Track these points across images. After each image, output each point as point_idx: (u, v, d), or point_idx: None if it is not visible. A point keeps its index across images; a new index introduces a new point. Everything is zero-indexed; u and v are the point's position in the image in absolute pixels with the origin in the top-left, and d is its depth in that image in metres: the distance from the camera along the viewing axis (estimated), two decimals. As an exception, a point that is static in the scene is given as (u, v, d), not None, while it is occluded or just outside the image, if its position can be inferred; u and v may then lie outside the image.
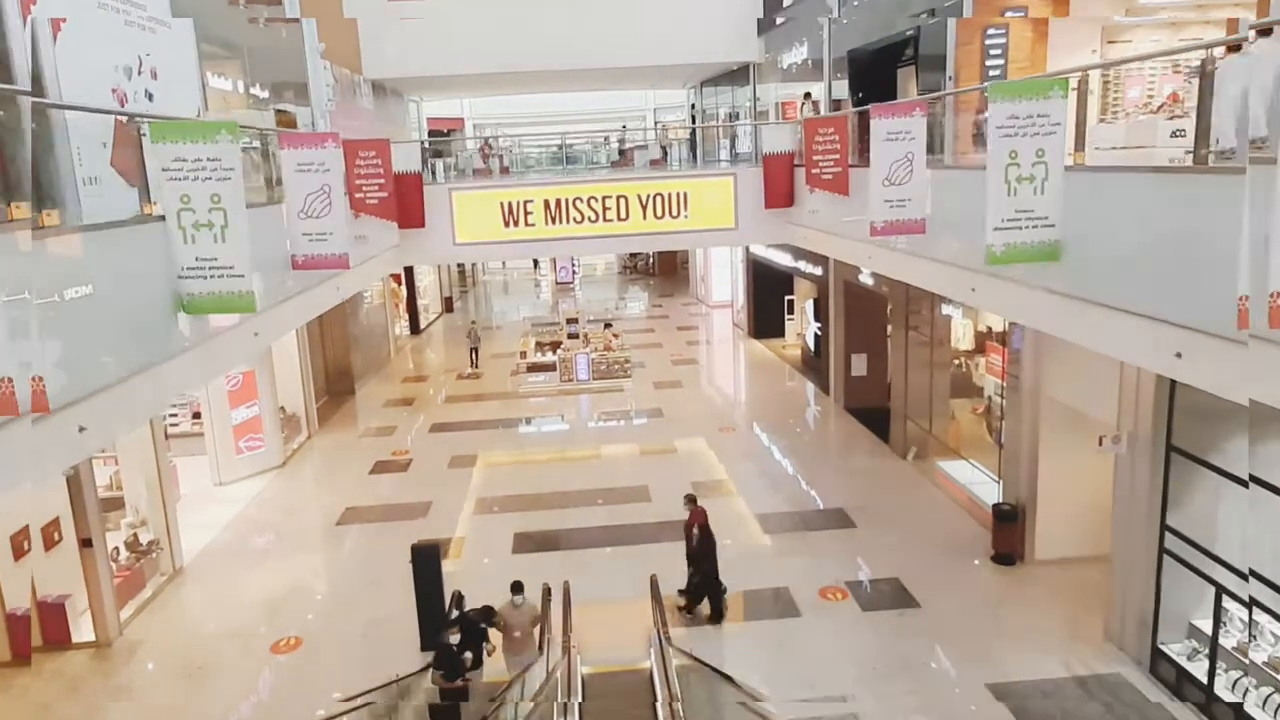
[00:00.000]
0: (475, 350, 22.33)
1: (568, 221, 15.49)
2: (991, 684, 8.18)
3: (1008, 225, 7.13)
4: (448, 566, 10.77)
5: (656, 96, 33.21)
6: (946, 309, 12.94)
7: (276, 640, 9.63)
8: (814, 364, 19.95)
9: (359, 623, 10.02)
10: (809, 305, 20.94)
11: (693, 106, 29.17)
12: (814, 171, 12.61)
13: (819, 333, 19.41)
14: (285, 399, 16.48)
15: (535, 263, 42.47)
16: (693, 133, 27.67)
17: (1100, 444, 8.33)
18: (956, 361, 13.61)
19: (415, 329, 27.84)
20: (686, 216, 15.71)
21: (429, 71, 21.21)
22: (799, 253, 19.12)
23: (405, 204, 14.31)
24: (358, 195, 12.36)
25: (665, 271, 38.55)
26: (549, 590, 9.53)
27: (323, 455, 16.35)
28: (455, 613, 8.65)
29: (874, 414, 16.21)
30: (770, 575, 10.59)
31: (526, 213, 15.48)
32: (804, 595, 10.00)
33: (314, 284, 10.55)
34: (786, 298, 23.04)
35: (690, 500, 10.28)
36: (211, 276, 6.81)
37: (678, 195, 15.71)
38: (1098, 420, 8.82)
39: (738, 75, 24.24)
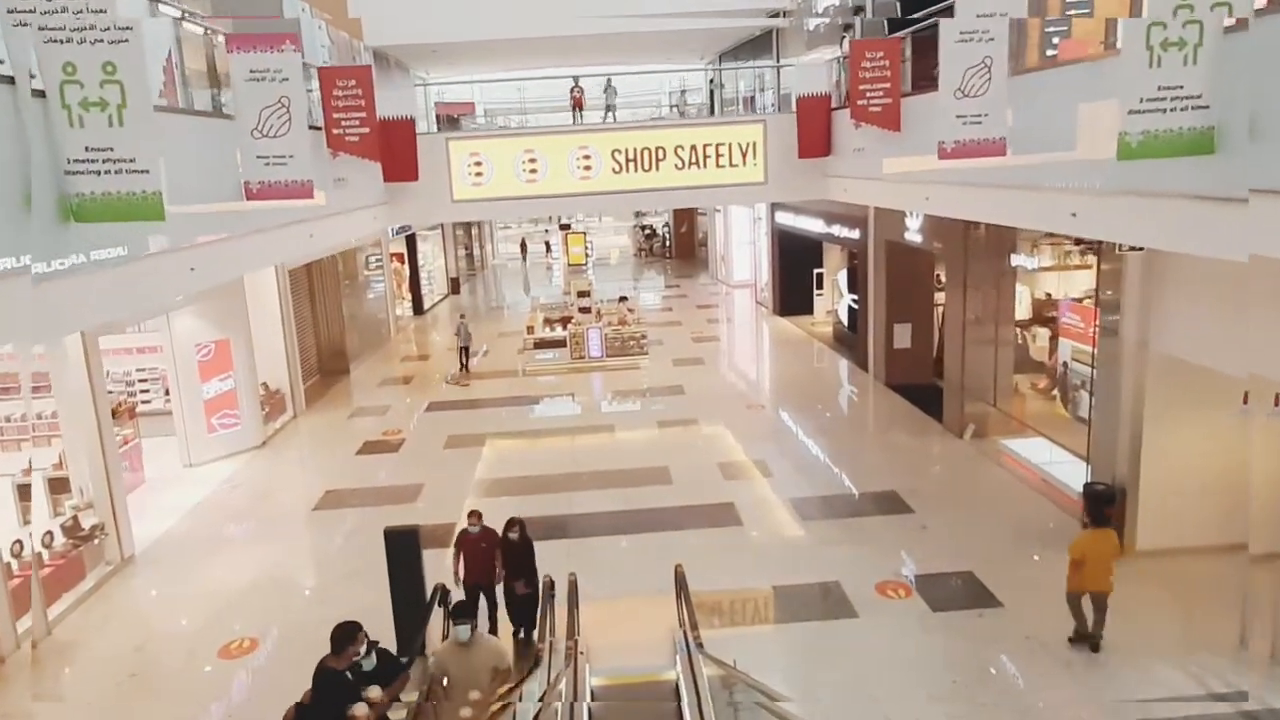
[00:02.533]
0: (466, 350, 18.36)
1: (579, 174, 13.89)
2: (1111, 700, 6.50)
3: (1148, 106, 5.43)
4: (436, 556, 9.21)
5: (672, 80, 31.58)
6: (1017, 259, 11.20)
7: (227, 642, 8.07)
8: (848, 339, 18.23)
9: (328, 621, 8.34)
10: (841, 277, 19.23)
11: (711, 81, 27.65)
12: (860, 103, 10.92)
13: (854, 305, 17.69)
14: (269, 375, 14.98)
15: (547, 246, 40.99)
16: (711, 100, 26.14)
17: (1245, 403, 6.61)
18: (1016, 331, 11.92)
19: (418, 310, 26.36)
20: (710, 169, 14.08)
21: (429, 38, 19.69)
22: (832, 216, 17.42)
23: (396, 154, 12.75)
24: (335, 131, 10.77)
25: (683, 253, 36.87)
26: (552, 584, 7.93)
27: (309, 435, 14.83)
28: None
29: (920, 390, 14.51)
30: (815, 568, 8.93)
31: (533, 164, 13.90)
32: (859, 591, 8.32)
33: (279, 225, 9.02)
34: (815, 271, 21.31)
35: (477, 516, 7.90)
36: (106, 172, 5.23)
37: (701, 146, 14.09)
38: (1233, 378, 7.10)
39: (759, 45, 22.67)
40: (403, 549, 7.48)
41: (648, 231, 40.42)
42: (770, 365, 19.39)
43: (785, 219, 20.93)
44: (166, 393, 13.78)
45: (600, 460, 12.64)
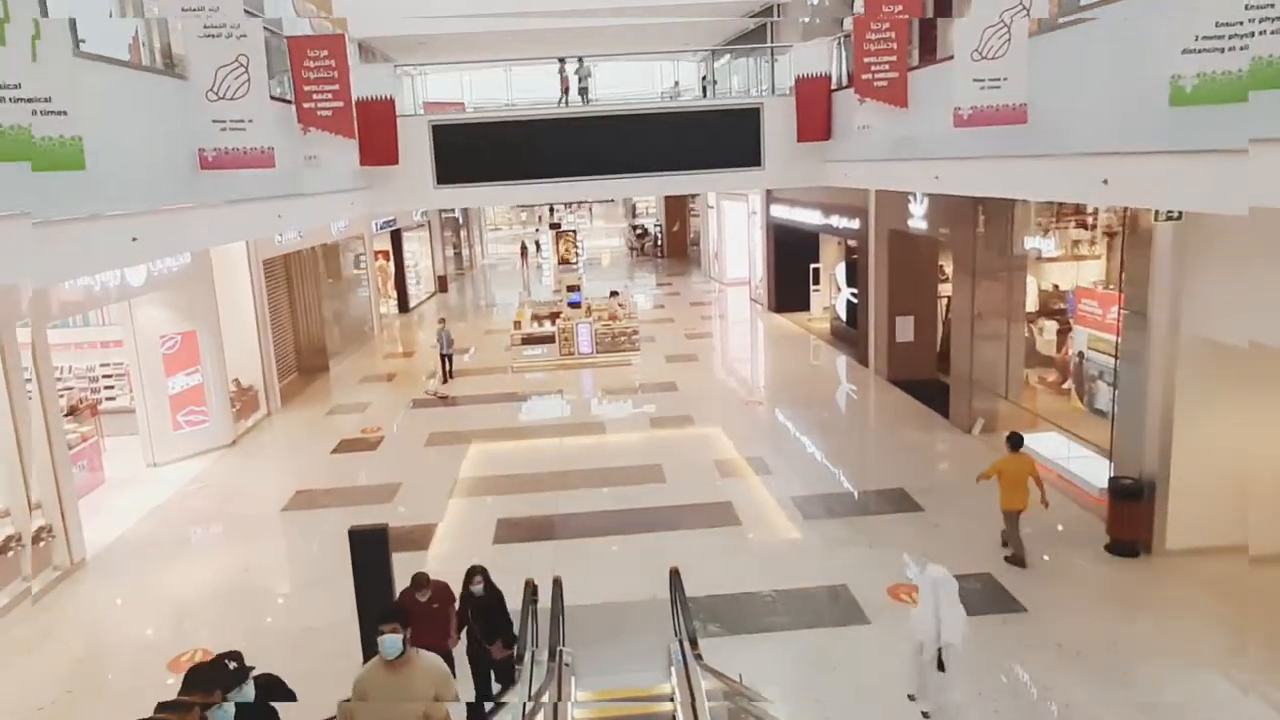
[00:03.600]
0: (448, 359, 16.69)
1: (568, 160, 13.24)
2: (1149, 705, 5.87)
3: (1205, 46, 4.84)
4: (408, 560, 8.52)
5: (664, 79, 31.03)
6: (1031, 243, 10.60)
7: (178, 655, 7.35)
8: (847, 335, 17.63)
9: (291, 630, 7.75)
10: (839, 270, 18.64)
11: (704, 78, 27.15)
12: (864, 77, 10.32)
13: (853, 299, 17.09)
14: (241, 371, 14.24)
15: (538, 245, 40.29)
16: (704, 96, 25.55)
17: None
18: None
19: (404, 307, 25.64)
20: (704, 155, 13.47)
21: (415, 29, 19.07)
22: (830, 206, 16.83)
23: (375, 136, 12.10)
24: (306, 105, 10.14)
25: (675, 252, 36.26)
26: (535, 588, 7.23)
27: (283, 433, 14.10)
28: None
29: (923, 385, 13.92)
30: (821, 570, 8.28)
31: (520, 151, 13.24)
32: (869, 596, 7.68)
33: (241, 199, 8.31)
34: (812, 266, 20.71)
35: (424, 580, 6.24)
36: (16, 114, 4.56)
37: (695, 130, 13.48)
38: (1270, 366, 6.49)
39: (753, 40, 22.20)
40: (369, 550, 6.77)
41: (639, 230, 39.81)
42: (766, 361, 18.79)
43: (780, 211, 20.35)
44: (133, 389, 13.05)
45: (590, 458, 11.98)
